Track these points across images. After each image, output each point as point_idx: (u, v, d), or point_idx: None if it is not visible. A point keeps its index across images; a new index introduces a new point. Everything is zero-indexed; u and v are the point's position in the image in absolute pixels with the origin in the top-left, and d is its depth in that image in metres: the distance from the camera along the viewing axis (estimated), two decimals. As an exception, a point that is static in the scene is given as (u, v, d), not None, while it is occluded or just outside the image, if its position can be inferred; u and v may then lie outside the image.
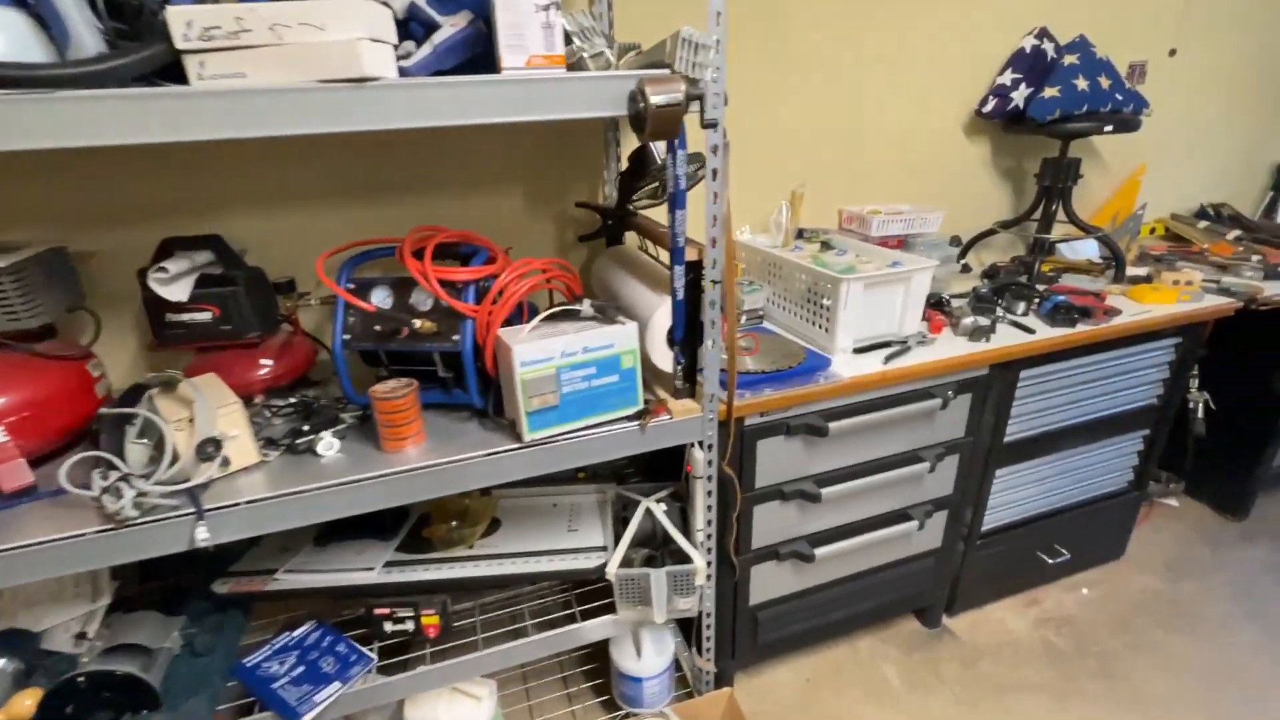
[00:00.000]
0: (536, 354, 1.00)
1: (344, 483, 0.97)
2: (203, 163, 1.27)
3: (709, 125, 0.88)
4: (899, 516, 1.51)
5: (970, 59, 1.80)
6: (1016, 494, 1.68)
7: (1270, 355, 1.96)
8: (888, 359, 1.34)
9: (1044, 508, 1.75)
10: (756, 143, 1.67)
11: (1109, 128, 1.64)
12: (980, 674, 1.62)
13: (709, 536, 1.27)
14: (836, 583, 1.55)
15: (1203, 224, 2.22)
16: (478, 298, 1.09)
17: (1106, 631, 1.72)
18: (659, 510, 1.29)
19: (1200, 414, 1.99)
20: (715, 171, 0.97)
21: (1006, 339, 1.45)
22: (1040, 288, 1.75)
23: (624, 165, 1.30)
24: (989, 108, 1.76)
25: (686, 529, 1.28)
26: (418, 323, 1.06)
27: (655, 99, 0.79)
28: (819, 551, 1.42)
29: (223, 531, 0.92)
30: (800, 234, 1.74)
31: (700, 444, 1.18)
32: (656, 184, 1.30)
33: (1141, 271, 1.82)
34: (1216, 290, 1.72)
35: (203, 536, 0.89)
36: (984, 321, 1.47)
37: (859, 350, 1.40)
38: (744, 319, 1.59)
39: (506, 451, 1.04)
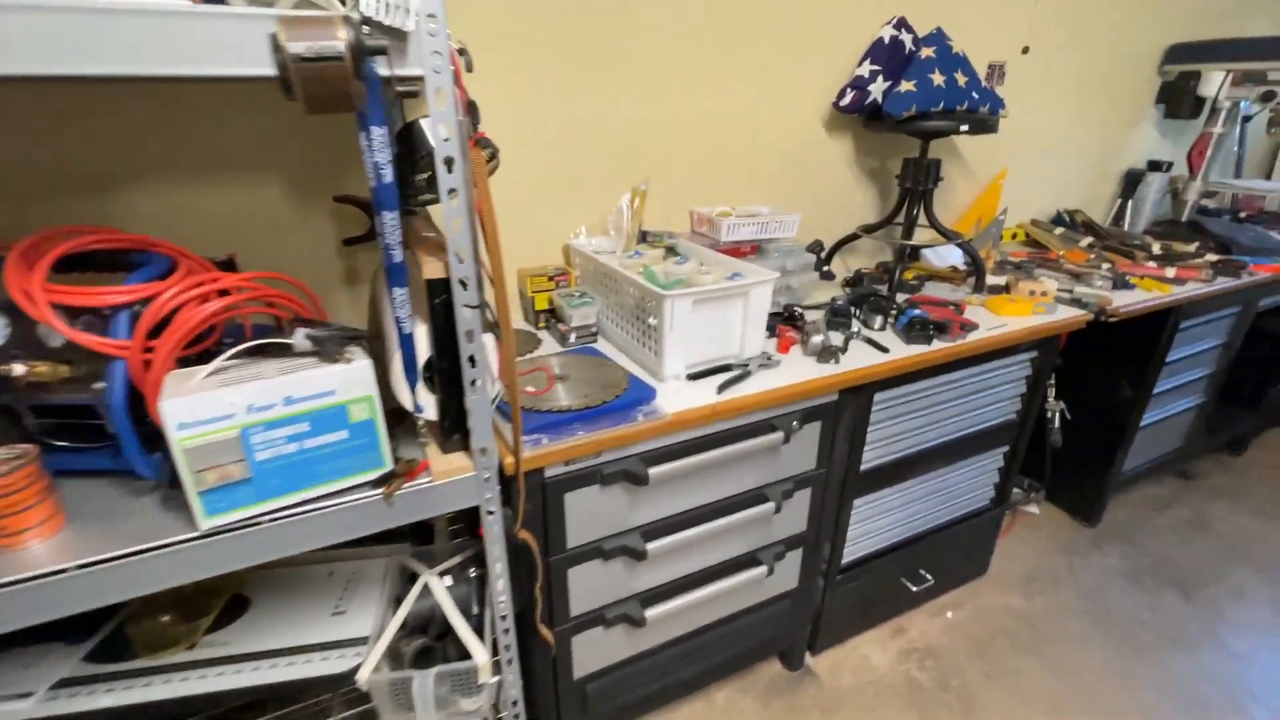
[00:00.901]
0: (203, 411, 0.71)
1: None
2: None
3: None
4: (747, 561, 1.34)
5: (832, 47, 1.65)
6: (877, 522, 1.56)
7: (1120, 362, 1.97)
8: (722, 388, 1.15)
9: (906, 534, 1.64)
10: (592, 131, 1.44)
11: (964, 127, 1.53)
12: (841, 721, 1.49)
13: (503, 617, 1.02)
14: (681, 639, 1.35)
15: (1059, 230, 2.22)
16: (136, 328, 0.78)
17: (967, 659, 1.64)
18: (439, 587, 1.03)
19: (1057, 424, 1.97)
20: (450, 161, 0.71)
21: (859, 359, 1.30)
22: (902, 298, 1.63)
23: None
24: (846, 101, 1.61)
25: (482, 604, 1.03)
26: (35, 365, 0.74)
27: (295, 47, 0.52)
28: (651, 613, 1.21)
29: None
30: (643, 237, 1.52)
31: (482, 508, 0.93)
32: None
33: (1000, 280, 1.75)
34: (1070, 300, 1.67)
35: None
36: (834, 340, 1.32)
37: (694, 376, 1.20)
38: (573, 338, 1.35)
39: (173, 546, 0.74)
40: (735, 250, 1.54)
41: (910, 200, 1.70)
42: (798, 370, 1.24)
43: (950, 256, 1.97)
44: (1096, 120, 2.28)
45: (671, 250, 1.49)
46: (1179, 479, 2.44)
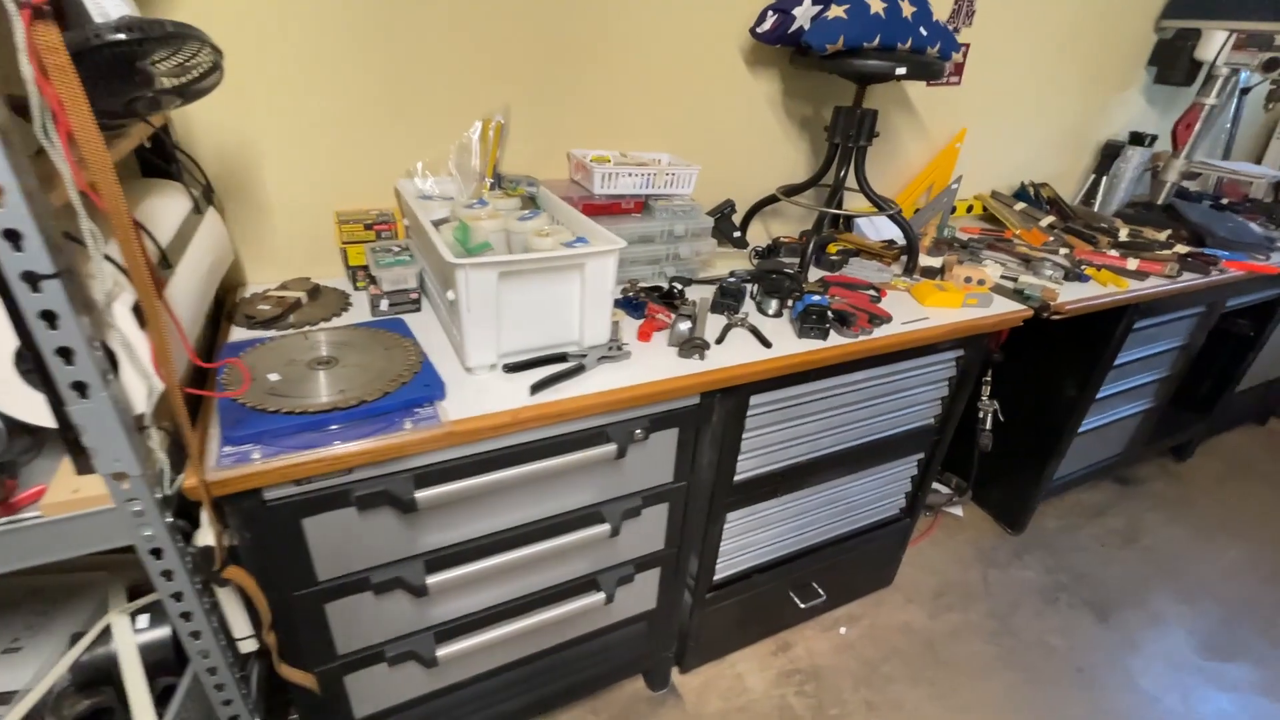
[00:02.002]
0: None
1: None
2: None
3: None
4: (584, 586, 1.12)
5: (755, -43, 1.33)
6: (760, 536, 1.35)
7: (1064, 361, 1.75)
8: (537, 388, 0.90)
9: (797, 547, 1.44)
10: (439, 36, 1.12)
11: (902, 70, 1.24)
12: (698, 753, 1.32)
13: (211, 671, 0.79)
14: (510, 666, 1.15)
15: (1020, 206, 1.95)
16: None
17: (852, 685, 1.48)
18: (123, 629, 0.79)
19: (988, 425, 1.76)
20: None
21: (735, 354, 1.05)
22: (818, 277, 1.37)
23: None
24: (766, 27, 1.30)
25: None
26: None
27: None
28: (447, 651, 0.99)
29: None
30: (498, 182, 1.23)
31: (140, 549, 0.68)
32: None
33: (936, 261, 1.50)
34: (1011, 291, 1.43)
35: None
36: (711, 329, 1.07)
37: (515, 368, 0.94)
38: (385, 305, 1.08)
39: None
40: (613, 206, 1.26)
41: (839, 159, 1.42)
42: (652, 366, 0.99)
43: (887, 229, 1.71)
44: (1078, 80, 1.98)
45: (532, 201, 1.21)
46: (1117, 484, 2.28)
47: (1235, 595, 1.82)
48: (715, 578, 1.34)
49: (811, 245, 1.36)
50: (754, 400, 1.11)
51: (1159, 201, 2.09)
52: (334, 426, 0.79)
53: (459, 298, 0.85)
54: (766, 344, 1.09)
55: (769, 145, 1.56)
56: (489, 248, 0.94)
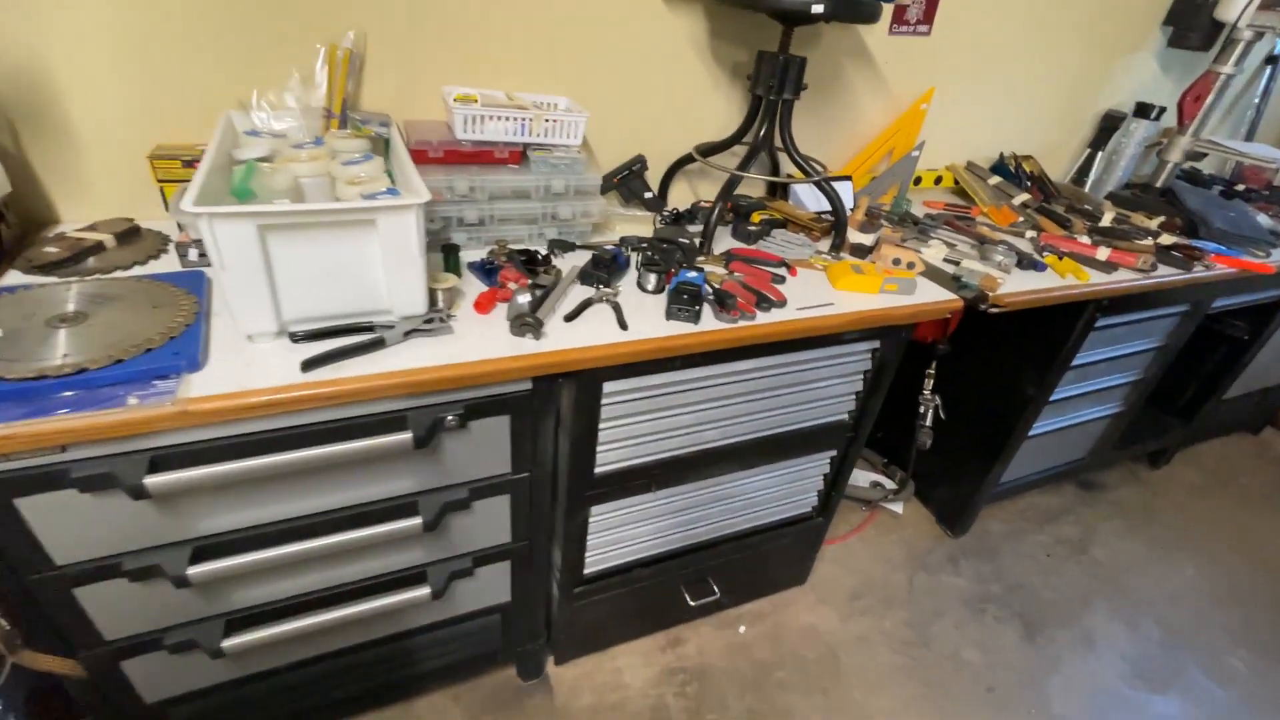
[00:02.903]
0: None
1: None
2: None
3: None
4: (412, 579, 1.02)
5: None
6: (639, 530, 1.24)
7: (1018, 357, 1.59)
8: (311, 365, 0.77)
9: (686, 542, 1.33)
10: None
11: (819, 8, 1.04)
12: (557, 750, 1.25)
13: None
14: (331, 656, 1.07)
15: (994, 180, 1.75)
16: None
17: (738, 690, 1.39)
18: None
19: (928, 421, 1.62)
20: None
21: (587, 334, 0.92)
22: (725, 249, 1.22)
23: None
24: (671, -50, 1.11)
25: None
26: None
27: None
28: (234, 642, 0.90)
29: None
30: (345, 120, 1.08)
31: None
32: None
33: (869, 239, 1.33)
34: (950, 278, 1.26)
35: None
36: (555, 308, 0.93)
37: (310, 336, 0.82)
38: (193, 254, 0.95)
39: None
40: (483, 155, 1.11)
41: (762, 114, 1.23)
42: (477, 343, 0.86)
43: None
44: (1077, 38, 1.74)
45: (388, 145, 1.06)
46: (1079, 489, 2.13)
47: (1181, 619, 1.69)
48: (586, 571, 1.24)
49: (715, 212, 1.20)
50: (610, 388, 0.98)
51: (1158, 184, 1.87)
52: (52, 396, 0.68)
53: (210, 253, 0.72)
54: (623, 325, 0.95)
55: (694, 95, 1.38)
56: (251, 196, 0.81)
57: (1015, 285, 1.28)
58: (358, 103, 1.12)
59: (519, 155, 1.13)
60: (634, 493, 1.16)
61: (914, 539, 1.85)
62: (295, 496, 0.85)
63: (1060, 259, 1.42)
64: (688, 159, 1.34)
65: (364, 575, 0.99)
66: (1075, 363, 1.54)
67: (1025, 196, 1.68)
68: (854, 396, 1.28)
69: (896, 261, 1.23)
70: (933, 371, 1.60)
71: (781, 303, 1.06)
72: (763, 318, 1.03)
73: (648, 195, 1.36)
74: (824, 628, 1.55)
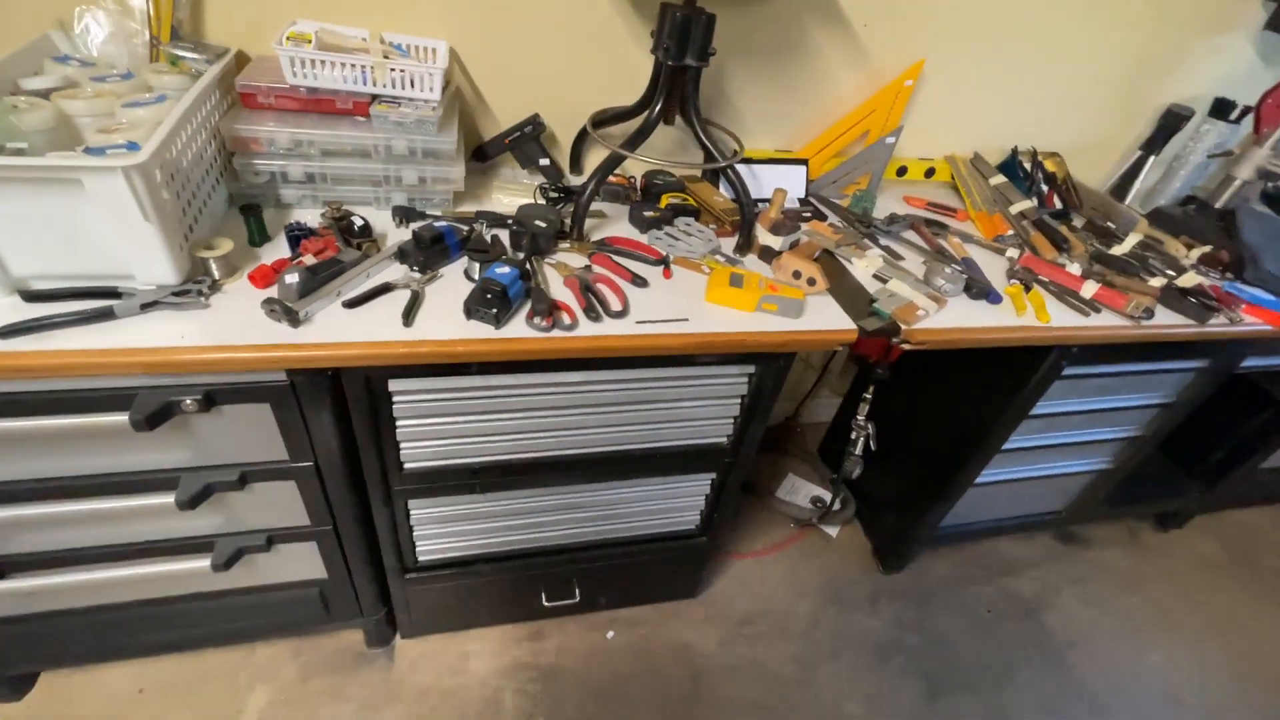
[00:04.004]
0: None
1: None
2: None
3: None
4: (198, 548, 0.99)
5: None
6: (475, 526, 1.17)
7: (972, 397, 1.37)
8: (7, 333, 0.71)
9: (542, 543, 1.25)
10: None
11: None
12: (381, 724, 1.24)
13: None
14: (140, 604, 1.08)
15: (996, 180, 1.46)
16: None
17: (580, 699, 1.33)
18: None
19: (858, 450, 1.44)
20: None
21: (358, 327, 0.82)
22: (605, 237, 1.07)
23: None
24: None
25: None
26: None
27: None
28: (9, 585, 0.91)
29: None
30: (156, 46, 0.98)
31: None
32: None
33: (778, 242, 1.13)
34: (865, 303, 1.06)
35: None
36: (346, 290, 0.83)
37: (38, 297, 0.76)
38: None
39: None
40: (324, 104, 0.99)
41: (664, 81, 1.04)
42: (224, 324, 0.78)
43: (787, 183, 1.31)
44: (1145, 6, 1.39)
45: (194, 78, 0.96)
46: (1058, 542, 1.89)
47: (1116, 711, 1.48)
48: (422, 559, 1.19)
49: (587, 194, 1.04)
50: (399, 386, 0.88)
51: (1219, 204, 1.52)
52: None
53: (-107, 200, 0.66)
54: (407, 321, 0.84)
55: (610, 50, 1.19)
56: (36, 139, 0.73)
57: (947, 318, 1.07)
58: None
59: (365, 107, 1.01)
60: (458, 492, 1.08)
61: (840, 567, 1.69)
62: (38, 458, 0.82)
63: (1028, 290, 1.18)
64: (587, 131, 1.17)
65: (149, 538, 0.96)
66: (1038, 412, 1.30)
67: (1027, 204, 1.40)
68: (731, 421, 1.13)
69: (797, 275, 1.05)
70: (869, 396, 1.41)
71: (620, 313, 0.92)
72: (588, 328, 0.89)
73: (543, 162, 1.20)
74: (699, 648, 1.45)
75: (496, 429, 1.00)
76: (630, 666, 1.40)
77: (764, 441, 2.02)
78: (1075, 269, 1.23)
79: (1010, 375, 1.26)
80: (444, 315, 0.86)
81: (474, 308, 0.85)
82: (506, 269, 0.88)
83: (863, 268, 1.15)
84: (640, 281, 0.99)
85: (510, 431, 1.01)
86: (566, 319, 0.88)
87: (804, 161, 1.35)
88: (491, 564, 1.24)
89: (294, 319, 0.79)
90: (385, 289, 0.88)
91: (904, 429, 1.59)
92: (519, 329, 0.86)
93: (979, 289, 1.13)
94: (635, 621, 1.48)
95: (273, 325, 0.80)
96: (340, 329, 0.81)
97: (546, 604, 1.34)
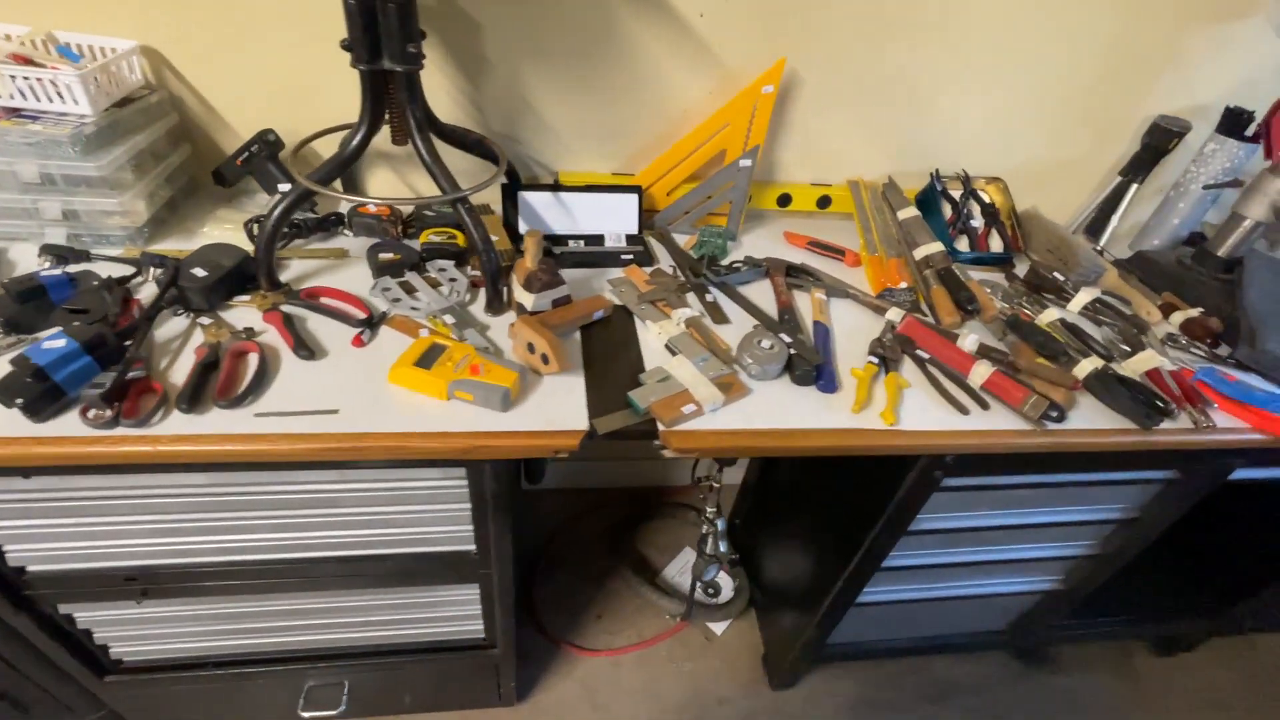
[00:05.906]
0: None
1: None
2: None
3: None
4: None
5: None
6: (175, 629, 0.96)
7: (854, 504, 1.05)
8: None
9: (276, 647, 1.03)
10: None
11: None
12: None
13: None
14: None
15: (906, 214, 1.13)
16: None
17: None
18: None
19: (708, 548, 1.16)
20: None
21: None
22: (309, 285, 0.85)
23: None
24: None
25: None
26: None
27: None
28: None
29: None
30: None
31: None
32: None
33: (529, 300, 0.86)
34: (611, 388, 0.78)
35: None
36: None
37: None
38: None
39: None
40: (-51, 118, 0.81)
41: (367, 92, 0.80)
42: None
43: (623, 221, 1.05)
44: (1122, 18, 1.03)
45: None
46: (1016, 660, 1.51)
47: None
48: (125, 662, 0.99)
49: (268, 233, 0.80)
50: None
51: (1220, 251, 1.13)
52: None
53: None
54: (-79, 408, 0.63)
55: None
56: None
57: (736, 414, 0.77)
58: None
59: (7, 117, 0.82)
60: (113, 599, 0.87)
61: (715, 677, 1.39)
62: None
63: (887, 371, 0.86)
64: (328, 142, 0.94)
65: None
66: (922, 528, 0.98)
67: (934, 247, 1.07)
68: (470, 527, 0.87)
69: (531, 349, 0.78)
70: (718, 485, 1.11)
71: (239, 398, 0.68)
72: (176, 422, 0.66)
73: (282, 187, 0.99)
74: (504, 776, 1.20)
75: (151, 530, 0.79)
76: (411, 794, 1.16)
77: (668, 505, 1.75)
78: (971, 342, 0.90)
79: (878, 482, 0.95)
80: (1, 396, 0.65)
81: (6, 394, 0.64)
82: (62, 341, 0.66)
83: (656, 333, 0.87)
84: (305, 353, 0.75)
85: (175, 534, 0.80)
86: (149, 406, 0.66)
87: (635, 189, 1.07)
88: (204, 669, 1.03)
89: None
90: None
91: (792, 501, 1.28)
92: (67, 426, 0.64)
93: (805, 370, 0.83)
94: (431, 730, 1.24)
95: None
96: None
97: (303, 714, 1.12)
